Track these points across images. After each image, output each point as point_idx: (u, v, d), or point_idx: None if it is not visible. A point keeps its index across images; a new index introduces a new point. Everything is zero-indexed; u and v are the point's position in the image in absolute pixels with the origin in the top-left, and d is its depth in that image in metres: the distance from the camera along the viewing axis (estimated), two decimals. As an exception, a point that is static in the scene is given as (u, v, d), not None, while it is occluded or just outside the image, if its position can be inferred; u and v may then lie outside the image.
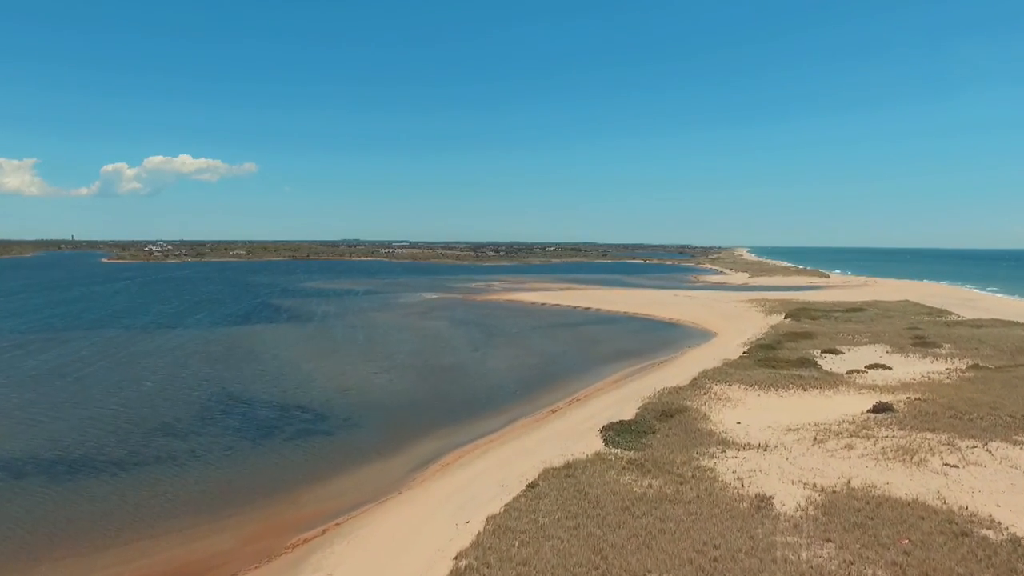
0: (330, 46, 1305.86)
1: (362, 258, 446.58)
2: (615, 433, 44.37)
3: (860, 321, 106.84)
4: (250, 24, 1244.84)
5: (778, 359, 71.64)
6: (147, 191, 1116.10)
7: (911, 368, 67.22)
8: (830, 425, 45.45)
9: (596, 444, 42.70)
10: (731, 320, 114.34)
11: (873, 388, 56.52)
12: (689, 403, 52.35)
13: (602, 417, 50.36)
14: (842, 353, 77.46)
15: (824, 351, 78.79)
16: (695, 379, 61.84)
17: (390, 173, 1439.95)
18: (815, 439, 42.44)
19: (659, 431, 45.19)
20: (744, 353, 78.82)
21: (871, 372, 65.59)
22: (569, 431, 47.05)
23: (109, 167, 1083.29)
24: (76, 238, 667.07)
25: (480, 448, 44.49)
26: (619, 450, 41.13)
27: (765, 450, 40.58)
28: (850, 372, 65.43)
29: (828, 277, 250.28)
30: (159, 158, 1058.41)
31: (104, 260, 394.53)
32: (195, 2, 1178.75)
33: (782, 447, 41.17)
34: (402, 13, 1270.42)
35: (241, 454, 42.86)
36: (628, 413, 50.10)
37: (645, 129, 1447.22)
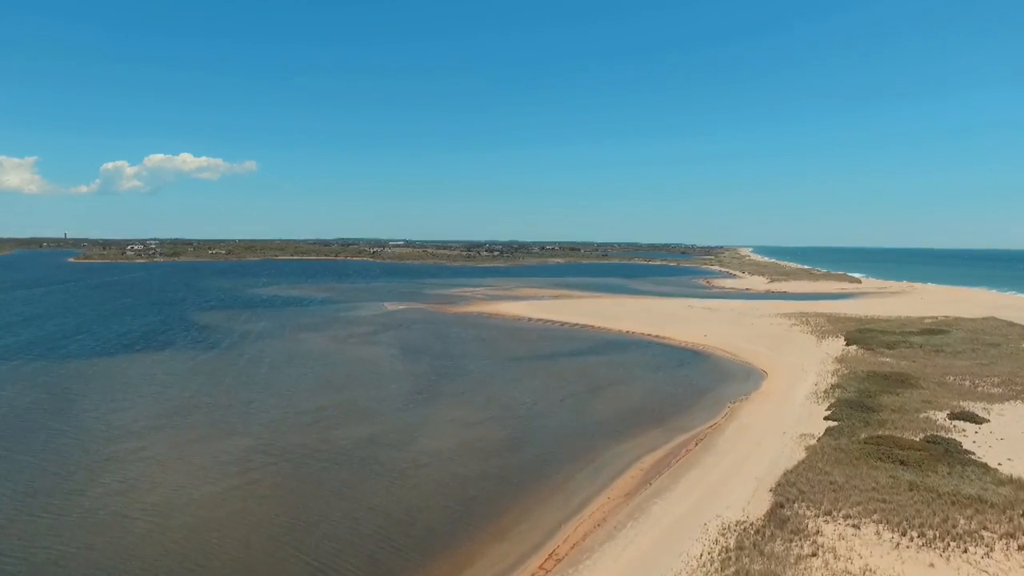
0: (331, 45, 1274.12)
1: (348, 258, 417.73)
2: None
3: (956, 352, 78.09)
4: (252, 23, 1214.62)
5: (894, 440, 42.98)
6: (147, 189, 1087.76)
7: None
8: None
9: None
10: (777, 347, 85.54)
11: None
12: (797, 600, 23.73)
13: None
14: (986, 421, 48.83)
15: (953, 416, 50.14)
16: (777, 499, 33.31)
17: (391, 172, 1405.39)
18: None
19: None
20: (828, 419, 50.18)
21: (1087, 478, 36.86)
22: None
23: (109, 165, 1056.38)
24: (69, 236, 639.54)
25: None
26: None
27: None
28: (1047, 477, 36.74)
29: (860, 282, 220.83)
30: (160, 156, 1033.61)
31: (70, 260, 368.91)
32: (197, 1, 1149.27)
33: None
34: (403, 12, 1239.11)
35: None
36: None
37: (645, 130, 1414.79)
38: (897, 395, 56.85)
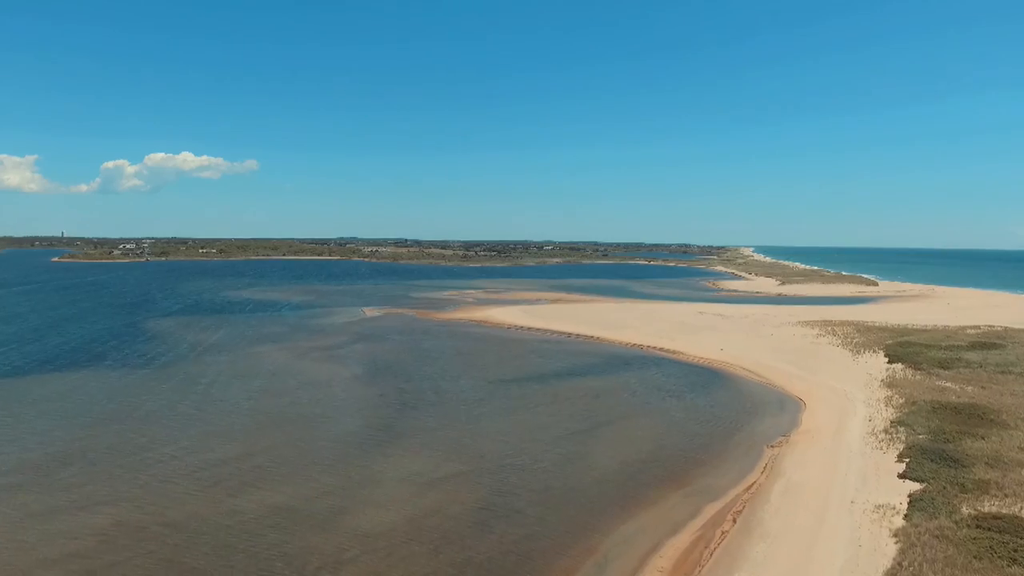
0: (332, 45, 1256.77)
1: (343, 258, 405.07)
2: None
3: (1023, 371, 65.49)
4: (253, 23, 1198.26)
5: (1019, 523, 30.46)
6: (148, 188, 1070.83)
7: None
8: None
9: None
10: (806, 364, 72.95)
11: None
12: None
13: None
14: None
15: (1073, 475, 37.63)
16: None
17: (391, 171, 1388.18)
18: None
19: None
20: (905, 477, 37.68)
21: None
22: None
23: (110, 164, 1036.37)
24: (67, 235, 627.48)
25: None
26: None
27: None
28: None
29: (876, 285, 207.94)
30: (160, 155, 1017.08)
31: (53, 259, 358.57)
32: (197, 1, 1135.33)
33: None
34: (404, 13, 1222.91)
35: None
36: None
37: (646, 130, 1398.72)
38: (982, 439, 44.31)
